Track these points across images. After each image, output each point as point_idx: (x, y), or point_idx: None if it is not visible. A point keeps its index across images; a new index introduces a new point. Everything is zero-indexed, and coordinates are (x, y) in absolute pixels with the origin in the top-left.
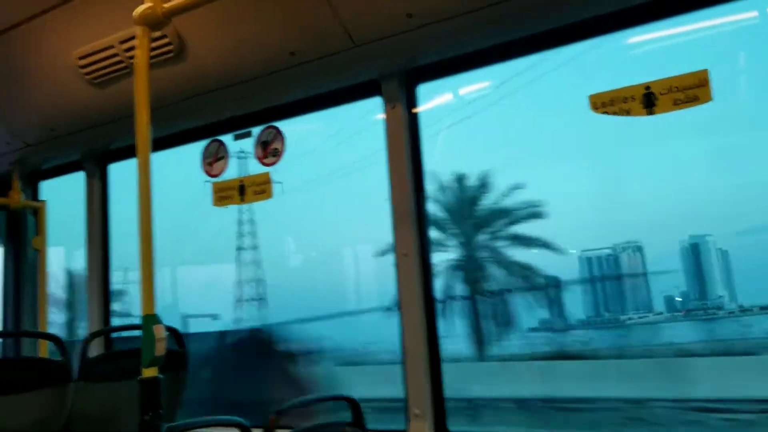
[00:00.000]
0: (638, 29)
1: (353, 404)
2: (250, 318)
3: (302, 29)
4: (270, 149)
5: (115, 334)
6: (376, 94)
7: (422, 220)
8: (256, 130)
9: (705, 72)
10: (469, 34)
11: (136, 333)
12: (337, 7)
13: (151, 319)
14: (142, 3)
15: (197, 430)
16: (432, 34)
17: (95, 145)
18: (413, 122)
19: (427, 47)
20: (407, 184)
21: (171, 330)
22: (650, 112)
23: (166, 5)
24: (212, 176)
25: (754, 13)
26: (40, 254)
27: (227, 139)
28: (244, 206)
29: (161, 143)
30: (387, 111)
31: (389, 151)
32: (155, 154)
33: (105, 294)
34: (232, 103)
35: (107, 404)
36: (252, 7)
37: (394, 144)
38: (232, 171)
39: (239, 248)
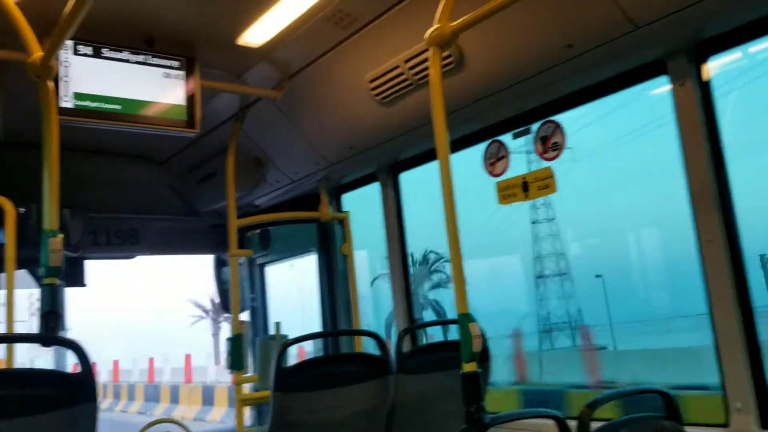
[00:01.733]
0: None
1: (666, 397)
2: (553, 295)
3: (579, 20)
4: (550, 144)
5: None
6: (661, 73)
7: (727, 202)
8: (534, 126)
9: None
10: None
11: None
12: None
13: (466, 318)
14: (420, 23)
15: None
16: (719, 3)
17: (386, 158)
18: (706, 97)
19: (716, 17)
20: (706, 164)
21: None
22: None
23: (452, 24)
24: (495, 176)
25: None
26: (348, 259)
27: (507, 138)
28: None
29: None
30: (675, 89)
31: (682, 131)
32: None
33: (407, 291)
34: (510, 103)
35: (423, 394)
36: (527, 8)
37: (686, 123)
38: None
39: (534, 221)
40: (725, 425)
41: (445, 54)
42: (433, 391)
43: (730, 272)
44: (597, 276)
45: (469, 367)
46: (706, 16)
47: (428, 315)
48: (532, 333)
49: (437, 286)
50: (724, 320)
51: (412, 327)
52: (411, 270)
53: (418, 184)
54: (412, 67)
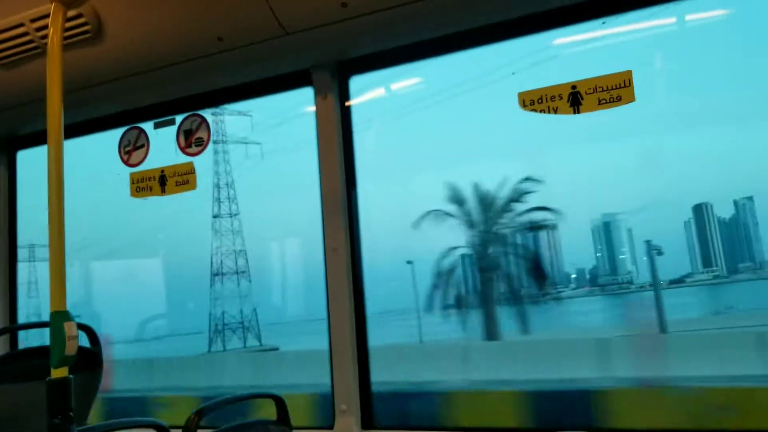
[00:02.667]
0: (566, 30)
1: (278, 401)
2: (230, 294)
3: (231, 14)
4: (193, 139)
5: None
6: (307, 84)
7: (353, 214)
8: (179, 118)
9: (629, 73)
10: (402, 27)
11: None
12: None
13: (61, 316)
14: None
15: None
16: (366, 25)
17: (2, 130)
18: (345, 114)
19: (361, 38)
20: (338, 177)
21: (84, 328)
22: (576, 111)
23: None
24: (130, 165)
25: (672, 19)
26: None
27: (148, 126)
28: (222, 169)
29: (76, 129)
30: (318, 102)
31: (320, 143)
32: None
33: (12, 289)
34: (154, 89)
35: (14, 407)
36: None
37: (324, 135)
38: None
39: (216, 216)
40: (330, 427)
41: (80, 21)
42: (28, 403)
43: (349, 280)
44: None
45: (58, 373)
46: (349, 36)
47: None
48: (203, 334)
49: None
50: (339, 325)
51: (6, 329)
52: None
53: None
54: (39, 29)
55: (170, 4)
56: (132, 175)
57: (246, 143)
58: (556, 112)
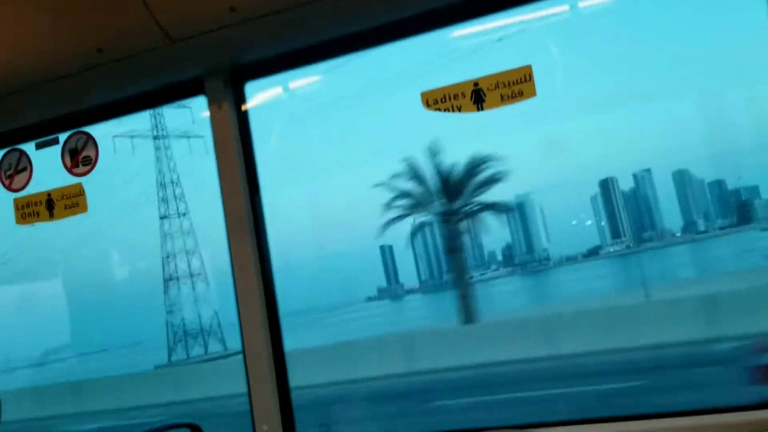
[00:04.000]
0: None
1: (196, 430)
2: (186, 299)
3: (110, 24)
4: (80, 157)
5: None
6: (200, 93)
7: (260, 228)
8: (63, 137)
9: (529, 68)
10: (295, 30)
11: None
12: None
13: None
14: None
15: None
16: (257, 29)
17: None
18: (243, 121)
19: (253, 43)
20: (240, 189)
21: None
22: (480, 108)
23: None
24: (14, 190)
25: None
26: None
27: (29, 147)
28: (166, 166)
29: None
30: (212, 111)
31: (218, 154)
32: None
33: None
34: (34, 108)
35: None
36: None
37: (222, 146)
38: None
39: (163, 216)
40: None
41: None
42: None
43: (261, 297)
44: None
45: None
46: (241, 41)
47: None
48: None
49: None
50: (254, 345)
51: None
52: None
53: None
54: None
55: (43, 15)
56: (16, 200)
57: (189, 137)
58: (460, 110)
